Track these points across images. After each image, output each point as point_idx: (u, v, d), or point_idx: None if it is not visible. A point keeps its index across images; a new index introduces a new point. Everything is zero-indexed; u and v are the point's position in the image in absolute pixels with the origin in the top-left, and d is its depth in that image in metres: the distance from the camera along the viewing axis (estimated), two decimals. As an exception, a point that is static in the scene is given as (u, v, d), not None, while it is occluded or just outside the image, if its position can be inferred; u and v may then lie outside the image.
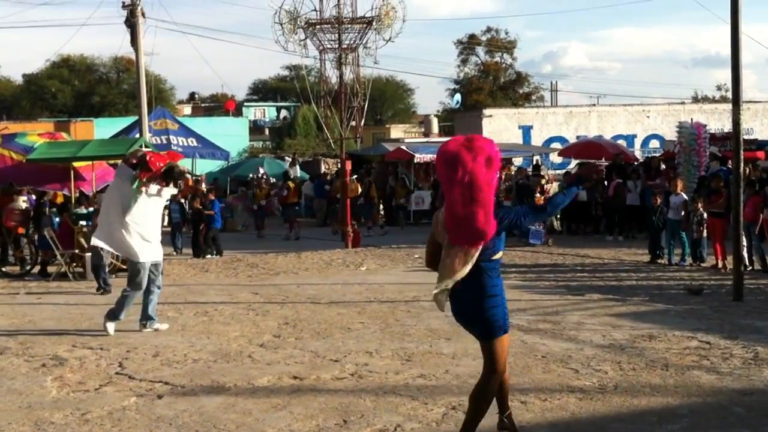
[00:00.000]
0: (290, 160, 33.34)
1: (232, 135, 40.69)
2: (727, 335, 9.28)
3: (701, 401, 6.81)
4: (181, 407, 6.86)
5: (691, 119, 19.70)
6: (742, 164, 12.21)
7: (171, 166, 10.31)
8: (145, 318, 10.13)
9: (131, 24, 23.76)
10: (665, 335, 9.28)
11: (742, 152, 12.13)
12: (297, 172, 30.19)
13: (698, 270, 14.88)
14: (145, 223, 10.07)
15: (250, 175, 30.15)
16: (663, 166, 21.46)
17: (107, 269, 13.94)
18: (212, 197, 19.71)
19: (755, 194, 14.40)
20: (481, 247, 5.41)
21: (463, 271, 5.41)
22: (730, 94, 13.03)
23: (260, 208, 24.55)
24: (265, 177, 28.55)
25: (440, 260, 5.51)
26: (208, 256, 18.44)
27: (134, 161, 10.13)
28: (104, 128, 35.16)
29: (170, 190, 10.59)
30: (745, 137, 13.55)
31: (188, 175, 11.07)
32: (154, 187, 10.13)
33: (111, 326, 9.92)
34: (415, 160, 27.91)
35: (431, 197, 25.18)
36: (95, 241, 10.65)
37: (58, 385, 7.65)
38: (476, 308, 5.51)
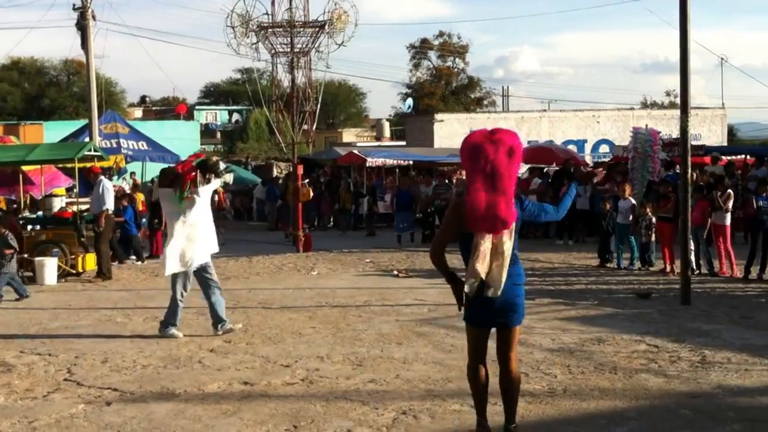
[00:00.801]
0: (224, 166, 32.72)
1: (183, 139, 40.35)
2: (674, 338, 9.40)
3: (649, 404, 6.89)
4: (130, 414, 6.79)
5: (646, 125, 19.97)
6: (689, 170, 12.36)
7: (201, 161, 10.15)
8: (217, 321, 10.00)
9: (82, 26, 23.52)
10: (614, 339, 9.38)
11: (689, 158, 12.30)
12: (230, 178, 29.65)
13: (647, 274, 15.09)
14: (199, 225, 9.94)
15: (130, 178, 29.47)
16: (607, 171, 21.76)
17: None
18: (125, 203, 19.37)
19: (703, 199, 14.66)
20: (513, 235, 5.60)
21: (504, 259, 5.56)
22: (678, 100, 13.24)
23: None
24: None
25: (471, 250, 5.55)
26: (129, 261, 18.25)
27: (168, 181, 9.99)
28: (54, 132, 34.59)
29: (213, 185, 10.30)
30: (693, 143, 13.80)
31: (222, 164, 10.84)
32: (201, 189, 9.96)
33: (174, 330, 9.86)
34: (367, 164, 27.98)
35: (391, 201, 25.31)
36: (171, 270, 10.01)
37: (6, 392, 7.52)
38: (515, 294, 5.72)
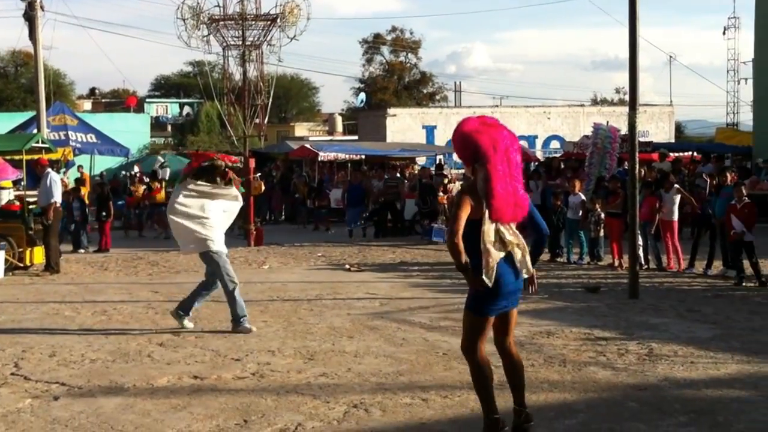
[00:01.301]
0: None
1: (133, 131, 39.95)
2: (622, 332, 9.53)
3: (597, 396, 6.97)
4: (78, 408, 6.71)
5: (607, 122, 20.25)
6: (637, 166, 12.50)
7: (208, 163, 10.05)
8: (183, 309, 9.90)
9: (29, 17, 23.13)
10: (563, 332, 9.49)
11: (637, 154, 12.44)
12: (166, 174, 29.27)
13: (596, 268, 15.29)
14: (200, 216, 9.75)
15: (123, 173, 29.32)
16: (563, 166, 21.99)
17: None
18: (74, 197, 19.19)
19: (651, 195, 14.87)
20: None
21: (518, 241, 5.69)
22: (627, 97, 13.41)
23: (138, 207, 23.56)
24: (139, 175, 27.95)
25: (486, 237, 5.54)
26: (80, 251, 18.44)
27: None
28: (1, 123, 33.94)
29: (227, 189, 10.02)
30: (641, 140, 13.97)
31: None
32: (209, 187, 9.81)
33: (246, 322, 9.68)
34: (320, 158, 27.92)
35: (342, 196, 25.24)
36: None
37: (-51, 388, 7.38)
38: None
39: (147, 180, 25.11)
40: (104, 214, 19.28)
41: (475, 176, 5.64)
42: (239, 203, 10.29)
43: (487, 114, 40.93)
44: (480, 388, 5.80)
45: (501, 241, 5.63)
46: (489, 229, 5.56)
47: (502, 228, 5.62)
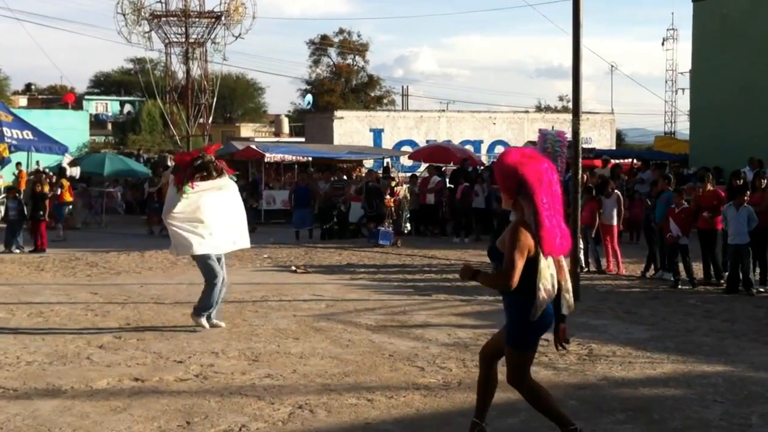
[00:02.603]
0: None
1: (71, 129, 39.02)
2: (563, 333, 9.60)
3: None
4: (14, 411, 6.49)
5: (552, 127, 20.43)
6: (580, 171, 12.68)
7: (196, 158, 9.87)
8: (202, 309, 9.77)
9: (-37, 10, 22.55)
10: (506, 333, 9.50)
11: (580, 160, 12.62)
12: (77, 172, 28.57)
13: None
14: (196, 217, 9.64)
15: (16, 169, 28.23)
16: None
17: None
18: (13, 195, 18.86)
19: (592, 200, 15.05)
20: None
21: (567, 273, 5.63)
22: (570, 105, 13.52)
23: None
24: (45, 171, 27.27)
25: (542, 275, 5.39)
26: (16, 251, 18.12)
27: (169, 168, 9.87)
28: (-67, 119, 33.07)
29: (219, 181, 9.91)
30: (584, 146, 14.10)
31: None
32: (203, 183, 9.70)
33: (202, 320, 9.68)
34: (266, 160, 27.69)
35: (289, 197, 25.04)
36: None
37: None
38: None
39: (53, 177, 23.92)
40: (41, 213, 18.79)
41: (517, 208, 5.50)
42: (235, 187, 10.29)
43: (434, 118, 41.08)
44: (545, 409, 5.72)
45: (561, 270, 5.55)
46: (545, 266, 5.42)
47: (554, 262, 5.50)
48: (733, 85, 25.92)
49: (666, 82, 59.28)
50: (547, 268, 5.40)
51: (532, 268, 5.36)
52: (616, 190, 15.59)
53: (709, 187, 13.89)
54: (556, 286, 5.47)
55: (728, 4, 26.68)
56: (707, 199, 13.65)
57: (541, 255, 5.35)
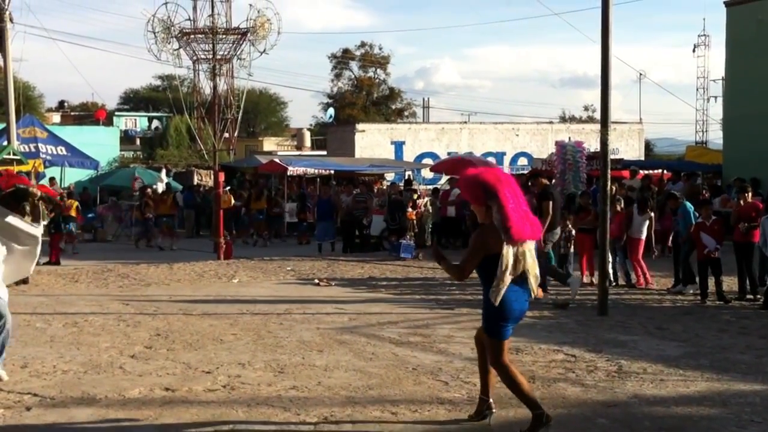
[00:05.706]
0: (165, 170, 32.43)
1: (102, 144, 39.83)
2: (591, 348, 9.54)
3: (566, 413, 6.98)
4: (51, 419, 6.78)
5: (569, 138, 20.52)
6: (609, 183, 12.49)
7: (23, 187, 8.40)
8: None
9: (-1, 29, 23.08)
10: (532, 348, 9.55)
11: (609, 171, 12.44)
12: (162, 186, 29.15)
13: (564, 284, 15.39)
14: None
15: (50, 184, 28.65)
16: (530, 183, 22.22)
17: None
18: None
19: (621, 212, 14.97)
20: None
21: (535, 269, 6.28)
22: (596, 115, 13.69)
23: (150, 219, 23.23)
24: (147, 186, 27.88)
25: (500, 262, 6.06)
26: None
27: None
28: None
29: (32, 228, 8.01)
30: (612, 157, 13.99)
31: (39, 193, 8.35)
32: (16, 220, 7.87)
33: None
34: (289, 173, 28.01)
35: (297, 209, 25.55)
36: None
37: None
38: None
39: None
40: (55, 227, 18.95)
41: (489, 214, 6.16)
42: (37, 247, 8.18)
43: (455, 130, 41.10)
44: (517, 391, 6.29)
45: (516, 265, 6.12)
46: (508, 252, 6.06)
47: (526, 251, 6.16)
48: (769, 92, 24.85)
49: (697, 89, 58.54)
50: (510, 255, 6.07)
51: (496, 263, 6.09)
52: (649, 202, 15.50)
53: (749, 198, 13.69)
54: (516, 274, 6.14)
55: (764, 9, 25.51)
56: (745, 211, 13.43)
57: (505, 246, 6.03)
